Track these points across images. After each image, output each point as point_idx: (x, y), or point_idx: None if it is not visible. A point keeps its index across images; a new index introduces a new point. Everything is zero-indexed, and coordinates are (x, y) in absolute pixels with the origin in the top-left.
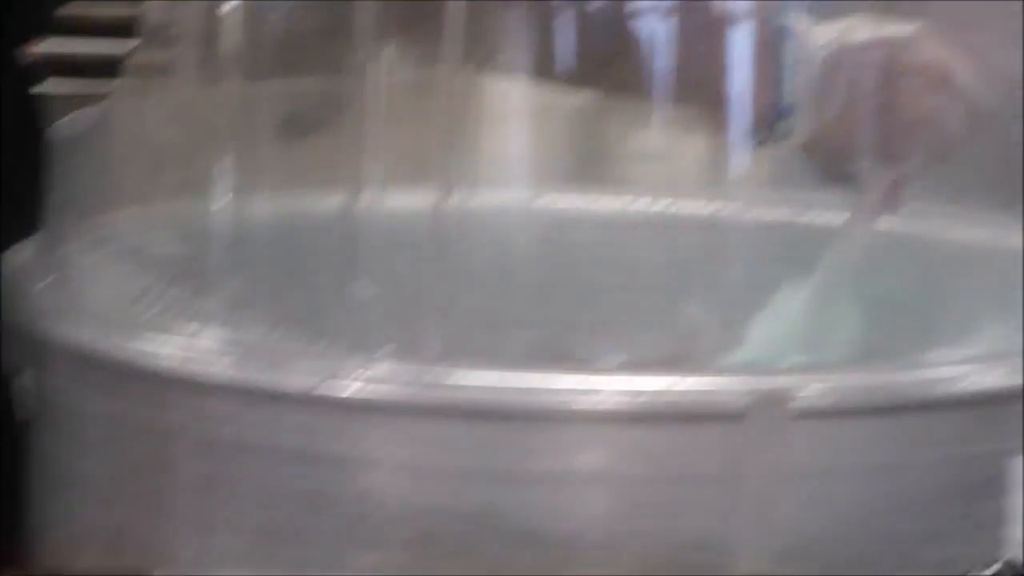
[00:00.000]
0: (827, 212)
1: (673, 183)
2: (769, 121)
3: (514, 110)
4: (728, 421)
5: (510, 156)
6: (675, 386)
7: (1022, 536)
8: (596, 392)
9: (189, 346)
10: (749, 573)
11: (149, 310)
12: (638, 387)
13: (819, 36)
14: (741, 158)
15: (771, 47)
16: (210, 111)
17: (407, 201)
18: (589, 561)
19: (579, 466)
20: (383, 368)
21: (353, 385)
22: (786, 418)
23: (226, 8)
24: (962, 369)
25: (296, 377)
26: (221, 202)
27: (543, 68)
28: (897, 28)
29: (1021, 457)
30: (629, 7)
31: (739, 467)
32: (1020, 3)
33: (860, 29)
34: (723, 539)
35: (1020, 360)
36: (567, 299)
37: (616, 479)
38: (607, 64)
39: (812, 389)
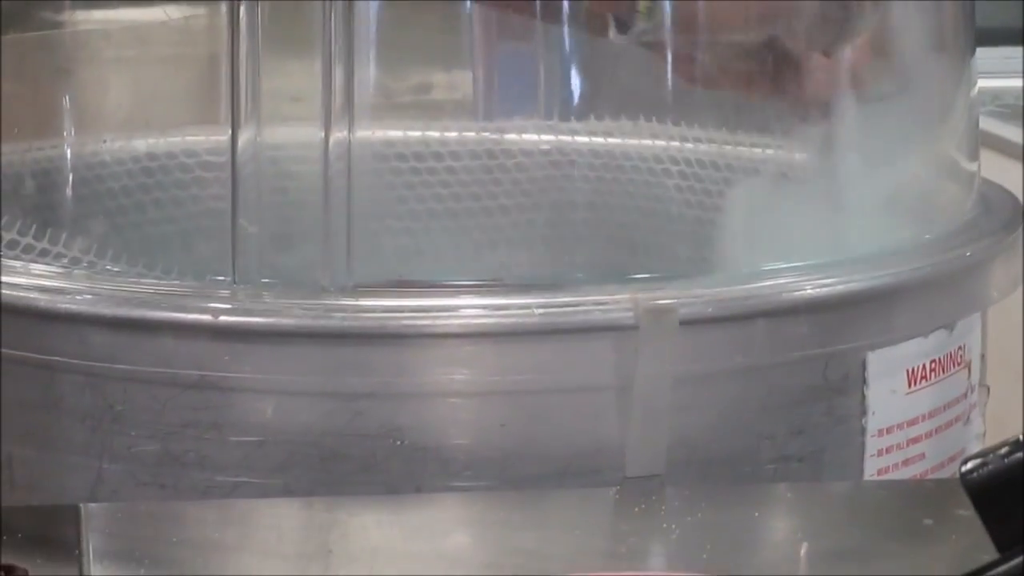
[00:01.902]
0: None
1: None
2: None
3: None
4: (620, 332)
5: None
6: (566, 302)
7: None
8: (492, 309)
9: (68, 283)
10: (640, 475)
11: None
12: (529, 302)
13: None
14: None
15: None
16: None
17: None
18: (487, 473)
19: (474, 381)
20: (270, 298)
21: (247, 315)
22: (673, 327)
23: None
24: (816, 276)
25: (190, 309)
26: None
27: None
28: None
29: (872, 354)
30: None
31: (631, 376)
32: None
33: None
34: (615, 445)
35: (866, 265)
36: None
37: (511, 392)
38: None
39: (694, 298)
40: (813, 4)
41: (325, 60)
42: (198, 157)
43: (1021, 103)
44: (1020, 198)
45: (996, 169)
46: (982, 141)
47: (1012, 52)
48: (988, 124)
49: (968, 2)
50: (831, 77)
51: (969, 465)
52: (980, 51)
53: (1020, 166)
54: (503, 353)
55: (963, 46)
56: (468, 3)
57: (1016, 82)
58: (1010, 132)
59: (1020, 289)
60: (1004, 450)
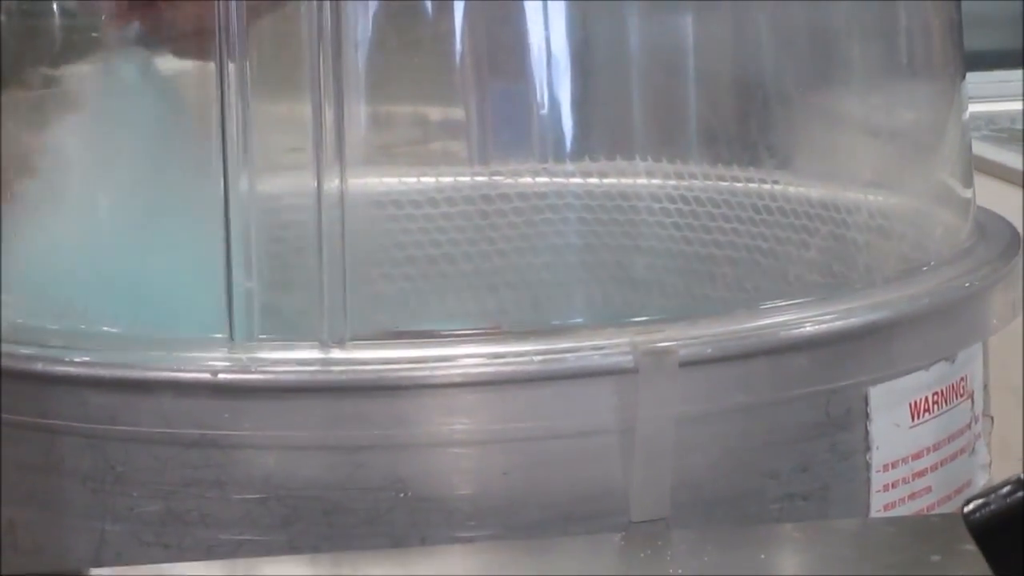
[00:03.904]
0: None
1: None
2: None
3: None
4: (620, 376)
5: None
6: (565, 347)
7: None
8: (491, 357)
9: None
10: (645, 519)
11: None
12: (528, 349)
13: None
14: None
15: None
16: None
17: None
18: (491, 522)
19: (475, 430)
20: (268, 353)
21: (245, 372)
22: (673, 369)
23: None
24: (815, 312)
25: (188, 368)
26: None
27: None
28: None
29: (874, 389)
30: None
31: (632, 419)
32: None
33: None
34: (618, 489)
35: (865, 299)
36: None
37: (512, 440)
38: None
39: (693, 339)
40: None
41: (315, 108)
42: None
43: (1017, 126)
44: (1020, 224)
45: (995, 196)
46: (978, 167)
47: (1005, 76)
48: (984, 149)
49: (957, 26)
50: None
51: (972, 505)
52: (971, 75)
53: (1019, 192)
54: (503, 401)
55: (953, 70)
56: (459, 49)
57: (1010, 105)
58: (1007, 157)
59: (1021, 316)
60: (1006, 489)
